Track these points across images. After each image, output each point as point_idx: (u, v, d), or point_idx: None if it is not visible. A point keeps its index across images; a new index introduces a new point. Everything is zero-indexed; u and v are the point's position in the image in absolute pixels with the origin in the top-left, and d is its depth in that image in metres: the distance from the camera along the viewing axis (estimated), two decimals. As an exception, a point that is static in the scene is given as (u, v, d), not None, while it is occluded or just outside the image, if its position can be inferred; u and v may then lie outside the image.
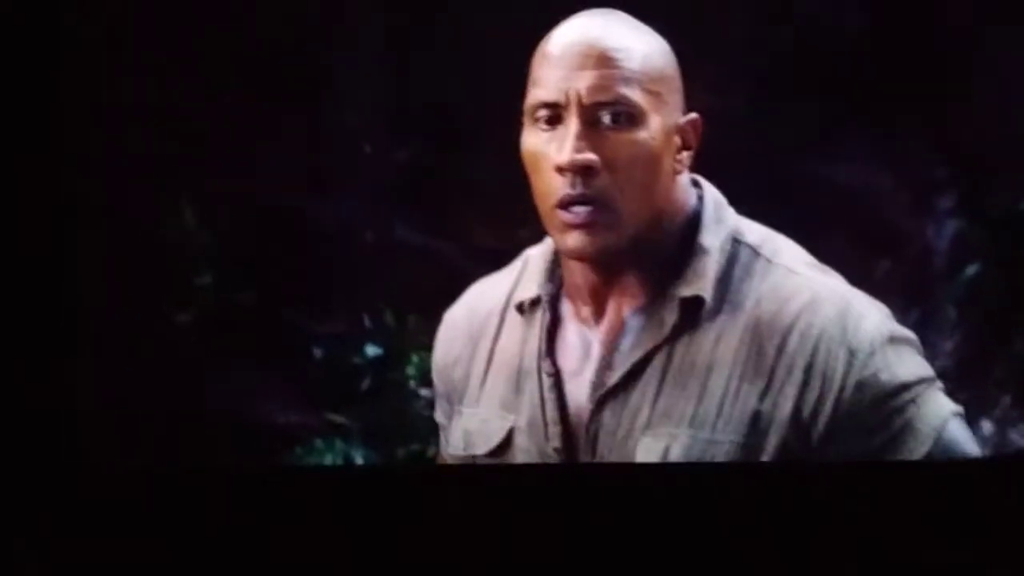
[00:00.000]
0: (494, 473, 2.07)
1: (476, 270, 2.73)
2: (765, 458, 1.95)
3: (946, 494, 2.07)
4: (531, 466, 2.03)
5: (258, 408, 2.74)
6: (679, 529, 2.13)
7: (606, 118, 1.97)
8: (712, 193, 2.04)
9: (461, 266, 2.85)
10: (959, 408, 1.98)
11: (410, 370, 2.94)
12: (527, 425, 2.05)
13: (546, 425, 2.04)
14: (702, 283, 1.98)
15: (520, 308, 2.08)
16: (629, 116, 1.97)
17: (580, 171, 1.95)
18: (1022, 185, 3.00)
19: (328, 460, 2.87)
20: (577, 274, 2.03)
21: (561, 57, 1.99)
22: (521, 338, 2.07)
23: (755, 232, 2.03)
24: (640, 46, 2.00)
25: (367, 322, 2.96)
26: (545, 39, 2.02)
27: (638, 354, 2.00)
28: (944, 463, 1.93)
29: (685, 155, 2.01)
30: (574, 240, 1.97)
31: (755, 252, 2.01)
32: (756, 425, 1.95)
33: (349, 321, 2.94)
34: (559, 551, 2.14)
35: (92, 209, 2.61)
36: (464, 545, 2.14)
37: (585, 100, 1.97)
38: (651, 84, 1.98)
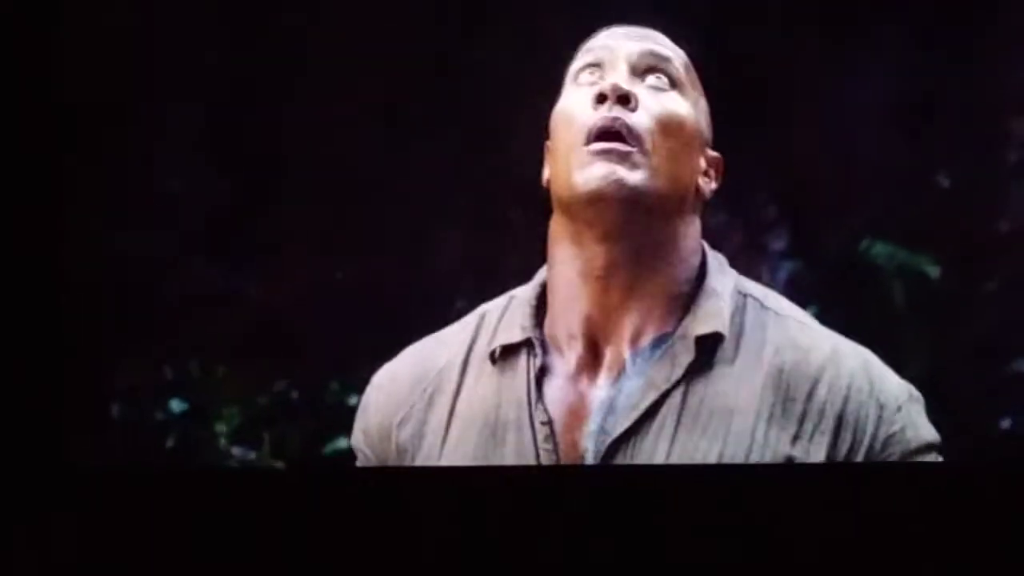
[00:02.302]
0: (490, 475, 2.05)
1: (288, 317, 2.60)
2: None
3: (947, 495, 2.11)
4: (525, 468, 2.01)
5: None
6: (672, 531, 2.14)
7: (651, 76, 2.01)
8: (708, 247, 2.06)
9: (273, 313, 2.75)
10: None
11: (220, 426, 2.80)
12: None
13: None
14: (718, 321, 1.98)
15: (493, 357, 2.02)
16: (672, 82, 2.02)
17: (620, 99, 1.97)
18: (857, 226, 2.97)
19: None
20: (571, 313, 1.99)
21: (610, 34, 2.05)
22: (494, 389, 2.02)
23: (755, 286, 2.06)
24: (680, 52, 2.07)
25: (169, 374, 2.81)
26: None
27: (652, 396, 1.96)
28: (948, 465, 2.02)
29: (709, 182, 2.04)
30: (601, 169, 1.95)
31: (761, 305, 2.03)
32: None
33: (150, 373, 2.79)
34: (551, 556, 2.14)
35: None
36: (455, 550, 2.14)
37: (634, 58, 2.01)
38: (692, 78, 2.05)
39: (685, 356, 1.97)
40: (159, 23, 2.79)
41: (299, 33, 2.84)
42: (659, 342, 1.98)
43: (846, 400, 1.96)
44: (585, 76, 2.01)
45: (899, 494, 2.11)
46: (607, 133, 1.95)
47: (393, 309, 2.69)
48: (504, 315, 2.05)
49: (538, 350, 2.00)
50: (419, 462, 2.04)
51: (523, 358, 2.01)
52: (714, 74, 2.61)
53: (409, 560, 2.13)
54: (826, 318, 2.91)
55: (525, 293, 2.05)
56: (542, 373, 2.00)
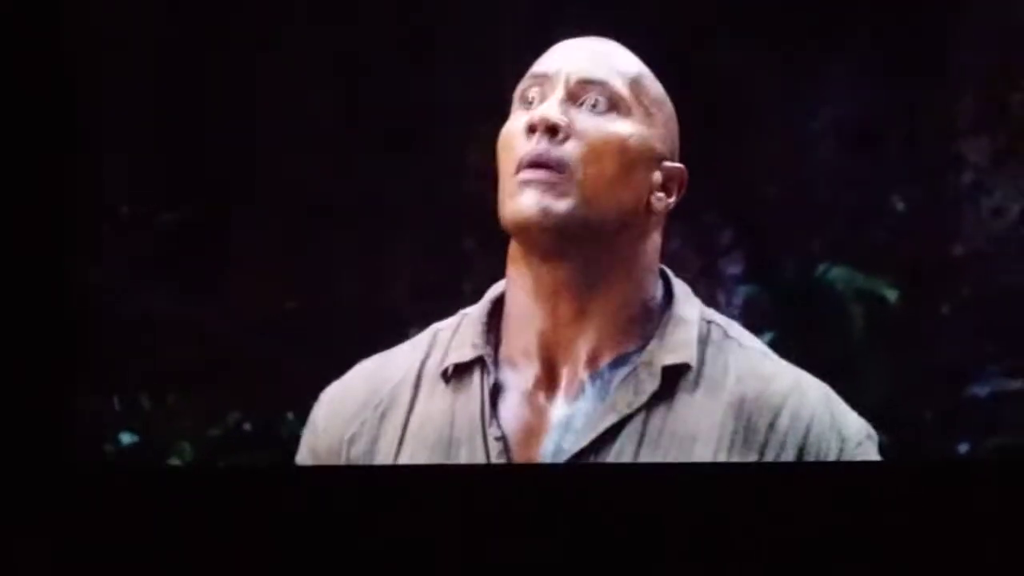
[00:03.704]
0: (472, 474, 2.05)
1: (240, 343, 2.56)
2: None
3: (944, 493, 2.15)
4: (485, 467, 2.01)
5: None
6: (666, 530, 2.16)
7: (589, 100, 1.98)
8: (672, 274, 2.05)
9: (224, 342, 2.72)
10: None
11: (174, 460, 2.75)
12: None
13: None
14: (686, 351, 1.97)
15: (445, 375, 2.01)
16: (611, 104, 1.98)
17: (548, 130, 1.95)
18: (813, 250, 2.97)
19: None
20: (525, 325, 1.98)
21: (557, 48, 2.03)
22: (447, 406, 2.01)
23: (719, 316, 2.04)
24: (636, 64, 2.03)
25: (117, 405, 2.76)
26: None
27: (611, 419, 1.96)
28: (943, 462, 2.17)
29: (664, 198, 2.01)
30: (527, 199, 1.94)
31: (725, 333, 2.02)
32: None
33: (97, 404, 2.74)
34: (508, 556, 2.16)
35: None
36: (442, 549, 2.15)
37: (572, 78, 1.98)
38: (641, 93, 2.00)
39: (650, 383, 1.97)
40: (108, 50, 2.76)
41: (251, 57, 2.81)
42: (618, 363, 1.98)
43: (808, 431, 1.96)
44: (530, 92, 2.00)
45: (869, 493, 2.14)
46: (535, 163, 1.95)
47: (347, 338, 2.66)
48: (456, 333, 2.04)
49: (491, 367, 2.00)
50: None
51: (476, 376, 2.00)
52: (673, 98, 2.60)
53: (371, 560, 2.12)
54: (783, 343, 2.91)
55: (476, 311, 2.04)
56: (496, 390, 2.00)
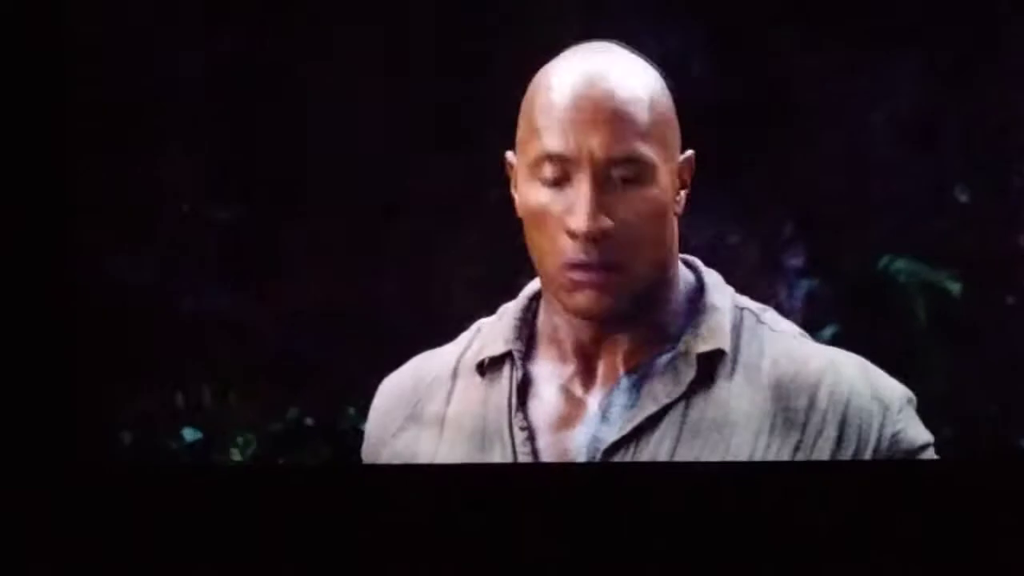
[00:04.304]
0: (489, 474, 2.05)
1: (300, 342, 2.57)
2: None
3: (946, 493, 2.09)
4: (516, 466, 2.01)
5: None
6: (673, 530, 2.10)
7: (619, 176, 1.91)
8: (702, 264, 2.02)
9: (286, 339, 2.73)
10: None
11: (235, 455, 2.77)
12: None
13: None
14: (720, 337, 1.96)
15: (481, 368, 2.01)
16: (642, 173, 1.91)
17: (595, 237, 1.90)
18: (875, 243, 2.95)
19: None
20: (562, 331, 1.98)
21: (570, 108, 1.92)
22: (482, 399, 2.01)
23: (751, 302, 2.01)
24: (647, 92, 1.94)
25: (180, 401, 2.78)
26: (543, 82, 1.94)
27: (651, 408, 1.95)
28: (949, 463, 2.04)
29: (683, 195, 1.98)
30: (585, 300, 1.93)
31: (758, 319, 1.99)
32: None
33: (161, 400, 2.76)
34: (541, 554, 2.10)
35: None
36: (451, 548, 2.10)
37: (599, 157, 1.90)
38: (660, 133, 1.93)
39: (687, 372, 1.96)
40: (165, 55, 2.78)
41: (304, 56, 2.83)
42: (655, 355, 1.96)
43: (847, 404, 1.95)
44: (549, 169, 1.91)
45: (897, 491, 2.12)
46: (584, 267, 1.91)
47: (404, 332, 2.67)
48: (493, 328, 2.04)
49: (518, 363, 2.00)
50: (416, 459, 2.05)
51: (507, 369, 2.01)
52: (734, 93, 2.60)
53: (397, 558, 2.12)
54: (846, 335, 2.91)
55: (514, 305, 2.04)
56: (526, 383, 1.99)
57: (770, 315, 2.03)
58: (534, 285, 2.05)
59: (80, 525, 2.10)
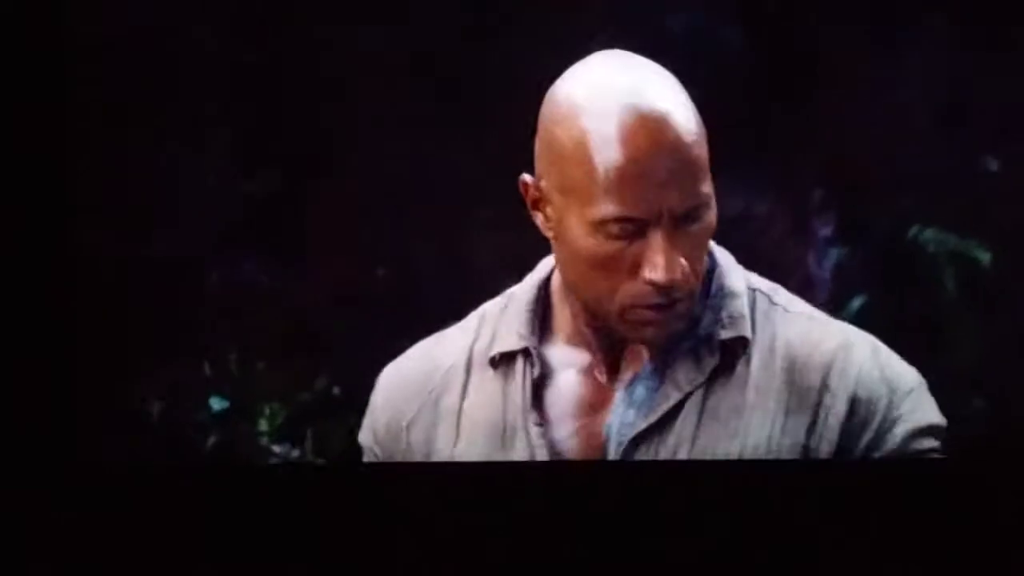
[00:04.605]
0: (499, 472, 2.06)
1: (328, 313, 2.56)
2: None
3: (946, 491, 2.14)
4: (535, 464, 2.03)
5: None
6: (680, 528, 2.16)
7: (687, 217, 1.94)
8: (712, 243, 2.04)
9: (312, 309, 2.72)
10: None
11: (262, 424, 2.76)
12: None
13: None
14: (741, 324, 2.00)
15: (494, 362, 2.03)
16: (703, 208, 1.95)
17: (673, 284, 1.94)
18: (905, 212, 2.93)
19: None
20: (586, 326, 2.00)
21: (640, 168, 1.92)
22: (498, 394, 2.03)
23: (762, 281, 2.05)
24: (690, 118, 1.94)
25: (208, 370, 2.78)
26: (592, 126, 1.92)
27: (675, 397, 1.98)
28: (947, 461, 2.04)
29: None
30: (652, 333, 1.97)
31: (770, 300, 2.03)
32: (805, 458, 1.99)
33: (189, 370, 2.76)
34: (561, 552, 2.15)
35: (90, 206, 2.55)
36: (461, 547, 2.15)
37: (676, 213, 1.92)
38: (706, 152, 1.95)
39: (709, 360, 1.99)
40: (188, 19, 2.77)
41: (329, 26, 2.81)
42: (677, 339, 1.99)
43: (857, 383, 1.98)
44: (615, 228, 1.92)
45: (910, 490, 2.12)
46: (657, 308, 1.95)
47: (431, 304, 2.66)
48: (503, 317, 2.05)
49: (535, 359, 2.01)
50: (432, 456, 2.05)
51: (521, 364, 2.02)
52: (763, 59, 2.58)
53: (415, 555, 2.11)
54: (875, 305, 2.89)
55: (523, 295, 2.05)
56: (543, 378, 2.01)
57: (782, 296, 2.04)
58: (541, 272, 2.04)
59: (80, 525, 2.10)
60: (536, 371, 2.00)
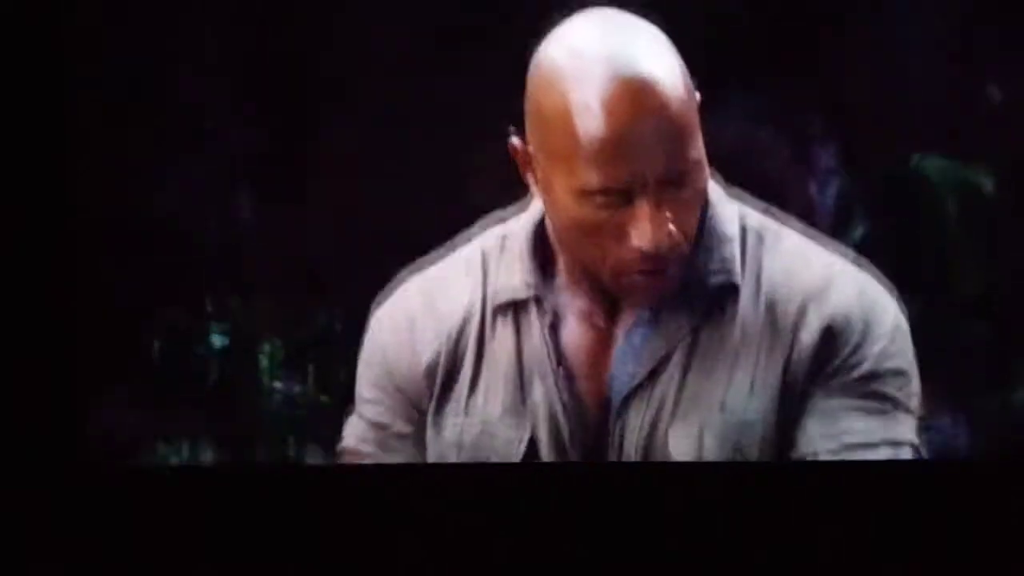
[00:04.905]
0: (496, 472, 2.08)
1: (328, 252, 2.55)
2: (797, 429, 1.99)
3: (941, 493, 2.13)
4: (535, 465, 2.04)
5: (91, 409, 2.55)
6: (681, 528, 2.16)
7: (673, 182, 1.93)
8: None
9: (311, 248, 2.71)
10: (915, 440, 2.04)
11: (263, 361, 2.75)
12: (546, 435, 2.01)
13: (569, 432, 2.01)
14: (732, 270, 1.99)
15: (505, 309, 2.03)
16: (694, 171, 1.95)
17: (662, 249, 1.94)
18: (907, 140, 2.91)
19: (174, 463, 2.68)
20: (586, 274, 2.00)
21: (623, 137, 1.90)
22: (513, 340, 2.03)
23: (753, 217, 2.05)
24: (676, 82, 1.93)
25: (209, 308, 2.76)
26: (577, 95, 1.91)
27: (664, 347, 1.97)
28: (939, 463, 2.08)
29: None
30: (646, 293, 1.96)
31: (760, 238, 2.03)
32: (784, 398, 1.97)
33: (190, 309, 2.74)
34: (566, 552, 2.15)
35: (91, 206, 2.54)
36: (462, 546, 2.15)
37: (661, 179, 1.92)
38: (695, 116, 1.95)
39: (699, 304, 1.99)
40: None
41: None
42: (673, 293, 2.01)
43: (833, 318, 1.98)
44: (599, 199, 1.92)
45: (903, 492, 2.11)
46: (647, 271, 1.95)
47: (431, 237, 2.65)
48: (503, 260, 2.04)
49: (547, 307, 1.99)
50: (446, 415, 2.05)
51: (534, 313, 2.02)
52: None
53: (415, 556, 2.11)
54: (876, 235, 2.88)
55: (522, 239, 2.03)
56: (556, 324, 2.01)
57: (771, 232, 2.02)
58: (535, 214, 2.02)
59: (80, 525, 2.09)
60: (548, 319, 1.99)
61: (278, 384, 2.74)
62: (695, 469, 1.98)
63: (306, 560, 2.10)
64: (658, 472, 2.01)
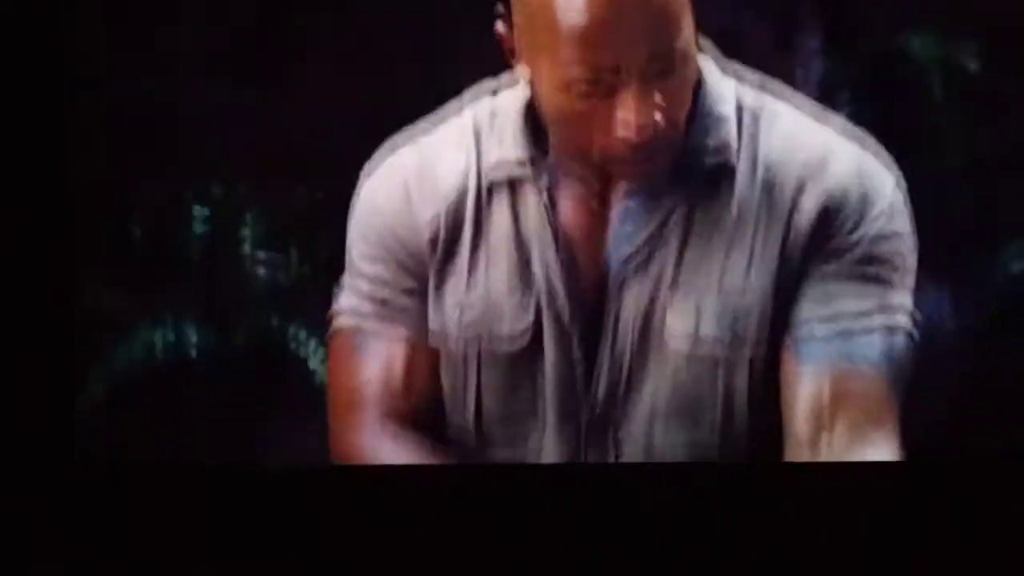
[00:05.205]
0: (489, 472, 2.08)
1: (310, 132, 2.53)
2: (793, 306, 1.97)
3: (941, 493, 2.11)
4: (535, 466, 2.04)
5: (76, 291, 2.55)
6: (675, 529, 2.13)
7: (657, 70, 1.88)
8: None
9: (293, 128, 2.70)
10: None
11: (245, 231, 2.74)
12: (546, 315, 2.00)
13: (568, 312, 2.00)
14: (727, 151, 1.97)
15: (504, 185, 2.00)
16: (678, 64, 1.90)
17: (646, 137, 1.90)
18: (892, 19, 2.90)
19: (158, 343, 2.68)
20: (576, 143, 1.94)
21: (603, 22, 1.87)
22: (511, 219, 2.00)
23: (749, 95, 2.01)
24: None
25: (192, 189, 2.76)
26: None
27: (660, 226, 1.97)
28: (936, 463, 2.03)
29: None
30: (634, 175, 1.95)
31: (756, 117, 2.00)
32: (782, 276, 1.96)
33: (170, 191, 2.74)
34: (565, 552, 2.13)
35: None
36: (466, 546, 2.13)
37: (646, 70, 1.88)
38: (684, 5, 1.91)
39: (695, 184, 1.96)
40: None
41: None
42: (667, 170, 1.97)
43: (830, 193, 1.95)
44: (582, 87, 1.88)
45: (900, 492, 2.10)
46: (633, 159, 1.91)
47: (415, 110, 2.64)
48: (492, 134, 2.02)
49: (541, 183, 1.99)
50: (450, 283, 2.02)
51: (530, 188, 2.00)
52: None
53: (415, 556, 2.10)
54: (862, 115, 2.87)
55: (512, 117, 2.00)
56: (551, 198, 1.99)
57: (768, 110, 1.99)
58: (525, 91, 2.00)
59: (80, 525, 2.08)
60: (544, 197, 1.99)
61: (261, 260, 2.73)
62: (695, 469, 1.97)
63: (306, 560, 2.09)
64: (654, 473, 2.00)
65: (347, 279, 2.08)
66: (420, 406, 2.05)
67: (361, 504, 2.09)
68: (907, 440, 1.96)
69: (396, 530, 2.09)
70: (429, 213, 2.02)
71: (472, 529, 2.09)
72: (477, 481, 2.07)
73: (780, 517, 2.08)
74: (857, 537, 2.08)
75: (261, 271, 2.74)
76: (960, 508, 2.08)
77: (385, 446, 2.04)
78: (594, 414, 2.02)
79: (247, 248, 2.76)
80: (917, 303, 2.00)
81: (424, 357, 2.05)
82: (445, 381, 2.06)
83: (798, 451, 1.96)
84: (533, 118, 1.99)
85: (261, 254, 2.74)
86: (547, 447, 2.04)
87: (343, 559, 2.08)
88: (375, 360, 2.05)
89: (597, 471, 2.01)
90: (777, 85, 2.02)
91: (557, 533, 2.09)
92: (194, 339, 2.71)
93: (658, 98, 1.88)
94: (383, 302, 2.04)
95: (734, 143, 1.97)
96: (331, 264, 2.21)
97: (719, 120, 1.96)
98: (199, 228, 2.76)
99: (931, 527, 2.08)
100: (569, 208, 1.99)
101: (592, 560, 2.08)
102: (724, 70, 2.00)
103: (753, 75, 2.01)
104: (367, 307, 2.05)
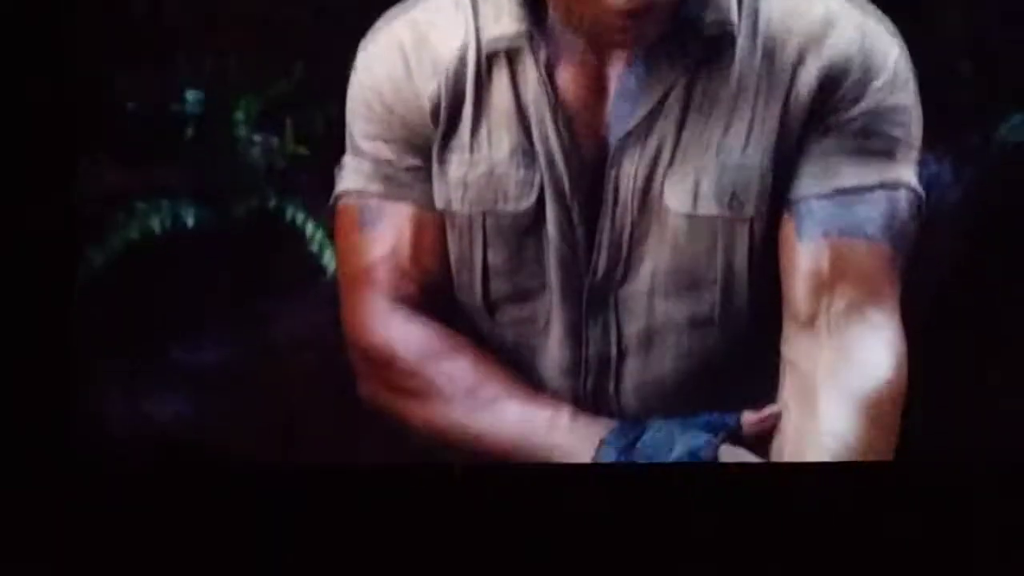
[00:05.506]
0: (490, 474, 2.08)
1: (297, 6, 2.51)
2: (793, 176, 1.97)
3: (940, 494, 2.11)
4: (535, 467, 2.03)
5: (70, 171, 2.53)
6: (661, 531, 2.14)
7: None
8: None
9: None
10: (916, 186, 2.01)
11: (239, 114, 2.72)
12: (547, 182, 2.00)
13: (568, 179, 2.00)
14: (727, 20, 1.95)
15: (503, 54, 2.00)
16: None
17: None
18: None
19: (155, 223, 2.67)
20: (577, 11, 1.93)
21: None
22: (511, 87, 2.00)
23: None
24: None
25: (183, 64, 2.73)
26: None
27: (659, 93, 1.96)
28: (938, 463, 2.04)
29: None
30: (630, 44, 1.95)
31: None
32: (781, 145, 1.96)
33: (162, 66, 2.71)
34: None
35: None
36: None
37: None
38: None
39: (695, 52, 1.95)
40: None
41: None
42: (667, 37, 1.96)
43: (832, 60, 1.95)
44: None
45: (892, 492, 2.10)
46: (632, 18, 1.90)
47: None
48: (492, 4, 2.01)
49: (540, 51, 1.97)
50: (454, 146, 2.02)
51: (528, 57, 1.99)
52: None
53: (415, 556, 2.10)
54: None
55: None
56: (551, 65, 1.98)
57: None
58: None
59: (80, 525, 2.08)
60: (543, 64, 1.97)
61: (256, 137, 2.72)
62: (693, 470, 1.97)
63: (306, 561, 2.09)
64: (656, 472, 1.99)
65: (348, 159, 2.08)
66: (429, 284, 2.06)
67: (361, 504, 2.11)
68: (907, 440, 1.97)
69: (396, 530, 2.10)
70: (430, 87, 2.01)
71: (472, 529, 2.10)
72: (478, 481, 2.08)
73: (780, 517, 2.09)
74: (857, 537, 2.09)
75: (256, 150, 2.73)
76: (960, 508, 2.10)
77: (396, 329, 2.04)
78: (595, 286, 2.02)
79: (242, 129, 2.74)
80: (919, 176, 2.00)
81: (431, 233, 2.05)
82: (452, 257, 2.06)
83: (796, 328, 1.96)
84: None
85: (255, 136, 2.73)
86: (554, 323, 2.05)
87: (343, 559, 2.10)
88: (383, 238, 2.06)
89: (597, 471, 2.01)
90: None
91: (557, 533, 2.10)
92: (189, 218, 2.70)
93: None
94: (387, 179, 2.04)
95: (735, 12, 1.95)
96: (327, 143, 2.20)
97: None
98: (192, 106, 2.74)
99: (931, 527, 2.09)
100: (568, 81, 1.98)
101: (592, 560, 2.09)
102: None
103: None
104: (373, 186, 2.05)
